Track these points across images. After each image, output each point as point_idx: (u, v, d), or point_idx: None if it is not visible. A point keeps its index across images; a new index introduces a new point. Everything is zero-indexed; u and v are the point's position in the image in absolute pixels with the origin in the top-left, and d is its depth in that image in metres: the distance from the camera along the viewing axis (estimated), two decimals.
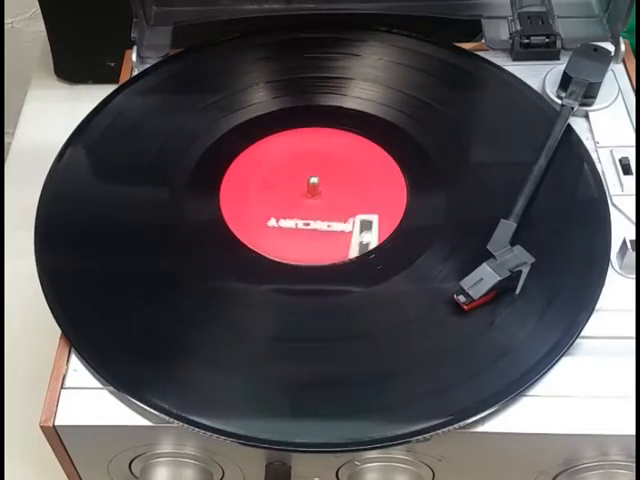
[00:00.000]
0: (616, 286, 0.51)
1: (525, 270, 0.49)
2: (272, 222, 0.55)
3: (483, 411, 0.45)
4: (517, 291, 0.49)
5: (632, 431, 0.45)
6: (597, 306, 0.49)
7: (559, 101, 0.60)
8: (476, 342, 0.49)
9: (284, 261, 0.53)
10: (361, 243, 0.53)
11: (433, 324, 0.50)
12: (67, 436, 0.48)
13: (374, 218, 0.54)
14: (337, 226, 0.54)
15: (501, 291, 0.50)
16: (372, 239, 0.54)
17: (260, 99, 0.62)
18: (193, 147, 0.59)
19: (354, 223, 0.54)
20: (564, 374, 0.48)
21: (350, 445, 0.45)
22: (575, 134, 0.58)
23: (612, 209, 0.54)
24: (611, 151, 0.58)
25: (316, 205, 0.56)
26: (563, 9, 0.66)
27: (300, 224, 0.55)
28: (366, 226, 0.54)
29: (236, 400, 0.47)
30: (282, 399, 0.47)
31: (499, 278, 0.49)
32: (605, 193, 0.55)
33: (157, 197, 0.57)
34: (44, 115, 0.79)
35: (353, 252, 0.53)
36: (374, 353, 0.49)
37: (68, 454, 0.49)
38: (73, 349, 0.49)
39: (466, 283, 0.49)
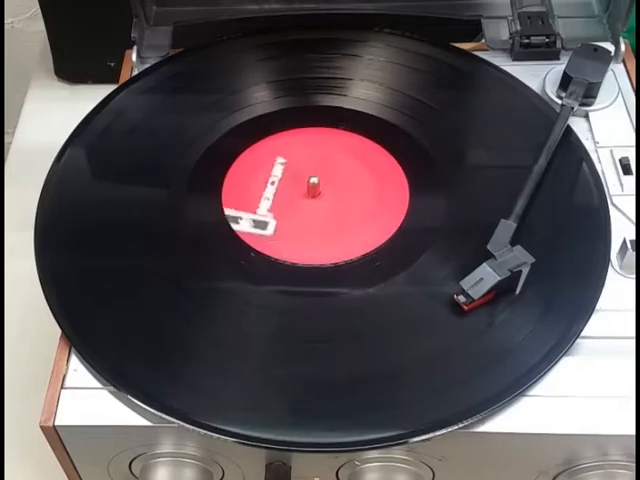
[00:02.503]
0: (616, 286, 0.51)
1: (525, 270, 0.49)
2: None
3: (483, 411, 0.45)
4: (517, 291, 0.49)
5: (632, 431, 0.45)
6: (597, 306, 0.49)
7: (559, 101, 0.60)
8: (476, 342, 0.49)
9: (285, 261, 0.53)
10: None
11: (433, 324, 0.50)
12: (67, 436, 0.48)
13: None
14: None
15: (501, 291, 0.50)
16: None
17: (260, 99, 0.62)
18: (193, 147, 0.59)
19: None
20: (564, 374, 0.48)
21: (350, 445, 0.45)
22: (575, 134, 0.58)
23: (612, 209, 0.54)
24: (611, 151, 0.58)
25: (316, 205, 0.56)
26: (563, 9, 0.66)
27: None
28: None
29: (236, 400, 0.47)
30: (282, 399, 0.47)
31: (499, 278, 0.49)
32: (605, 193, 0.55)
33: (157, 197, 0.57)
34: (44, 115, 0.79)
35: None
36: (374, 353, 0.49)
37: (68, 454, 0.49)
38: (73, 349, 0.49)
39: (466, 283, 0.49)
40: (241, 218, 0.55)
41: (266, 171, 0.58)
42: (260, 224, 0.55)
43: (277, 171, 0.58)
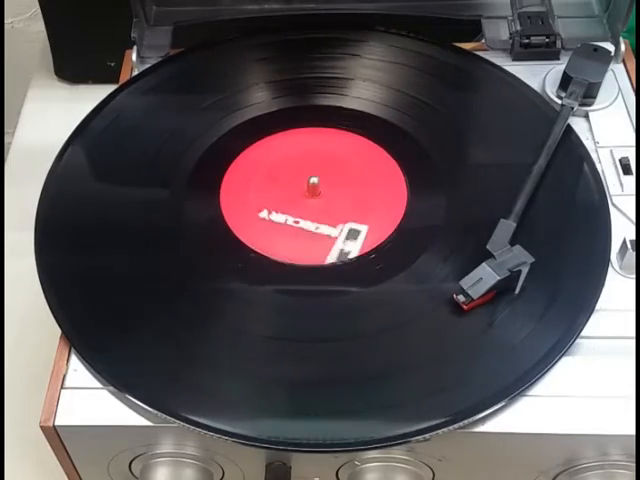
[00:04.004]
0: (616, 286, 0.51)
1: (524, 270, 0.49)
2: (264, 214, 0.55)
3: (483, 411, 0.45)
4: (516, 291, 0.49)
5: (632, 431, 0.45)
6: (597, 306, 0.49)
7: (559, 101, 0.60)
8: (476, 342, 0.49)
9: (285, 261, 0.53)
10: (342, 251, 0.53)
11: (433, 324, 0.50)
12: (67, 436, 0.48)
13: (363, 228, 0.54)
14: (325, 229, 0.55)
15: (501, 291, 0.50)
16: (354, 248, 0.53)
17: (260, 99, 0.62)
18: (193, 147, 0.59)
19: (342, 230, 0.54)
20: (564, 374, 0.48)
21: (350, 445, 0.45)
22: (575, 134, 0.58)
23: (612, 209, 0.54)
24: (611, 151, 0.58)
25: (316, 205, 0.56)
26: (563, 9, 0.66)
27: (290, 220, 0.55)
28: (353, 235, 0.54)
29: (236, 400, 0.47)
30: (282, 399, 0.47)
31: (498, 278, 0.49)
32: (605, 193, 0.55)
33: (157, 197, 0.57)
34: (44, 115, 0.79)
35: (331, 258, 0.53)
36: (374, 353, 0.49)
37: (68, 454, 0.49)
38: (73, 349, 0.49)
39: (466, 283, 0.49)
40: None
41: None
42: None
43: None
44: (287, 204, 0.56)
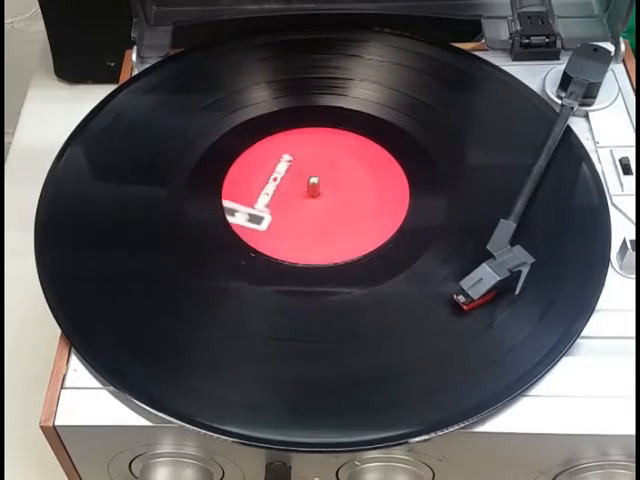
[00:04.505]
0: (616, 286, 0.51)
1: (525, 270, 0.49)
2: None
3: (483, 411, 0.45)
4: (517, 291, 0.49)
5: (632, 431, 0.45)
6: (597, 306, 0.49)
7: (559, 101, 0.60)
8: (476, 342, 0.49)
9: (286, 261, 0.53)
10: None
11: (433, 324, 0.50)
12: (67, 436, 0.48)
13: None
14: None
15: (501, 291, 0.50)
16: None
17: (260, 99, 0.62)
18: (193, 147, 0.59)
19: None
20: (564, 374, 0.48)
21: (350, 445, 0.45)
22: (575, 134, 0.58)
23: (612, 209, 0.54)
24: (611, 151, 0.58)
25: (316, 205, 0.56)
26: (563, 9, 0.66)
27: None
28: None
29: (236, 400, 0.47)
30: (282, 399, 0.47)
31: (498, 278, 0.49)
32: (605, 193, 0.55)
33: (157, 197, 0.57)
34: (44, 115, 0.79)
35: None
36: (374, 353, 0.49)
37: (68, 454, 0.49)
38: (73, 349, 0.49)
39: (466, 283, 0.49)
40: (238, 211, 0.55)
41: (269, 168, 0.58)
42: (255, 219, 0.55)
43: (281, 168, 0.58)
44: (287, 204, 0.56)
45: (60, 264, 0.53)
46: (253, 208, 0.56)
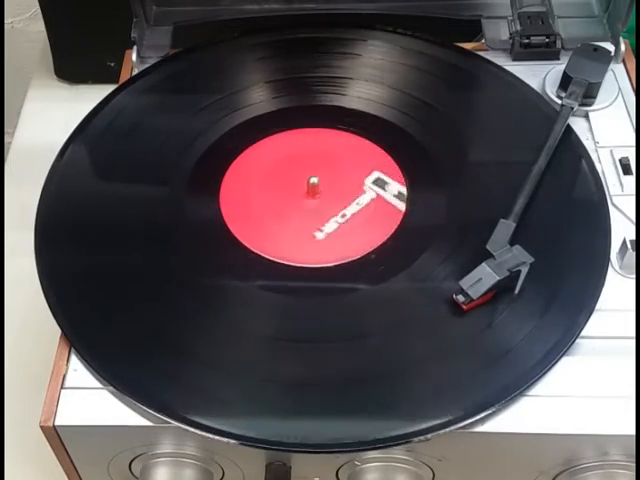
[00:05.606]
0: (616, 286, 0.51)
1: (524, 270, 0.49)
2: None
3: (483, 411, 0.45)
4: (516, 291, 0.49)
5: (632, 431, 0.45)
6: (597, 306, 0.49)
7: (559, 101, 0.60)
8: (475, 342, 0.49)
9: (285, 261, 0.53)
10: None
11: (432, 324, 0.50)
12: (67, 436, 0.48)
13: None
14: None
15: (500, 291, 0.50)
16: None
17: (260, 99, 0.62)
18: (193, 147, 0.59)
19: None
20: (564, 374, 0.48)
21: (350, 445, 0.45)
22: (575, 134, 0.58)
23: (612, 209, 0.54)
24: (611, 151, 0.58)
25: (316, 205, 0.56)
26: (563, 9, 0.66)
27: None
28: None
29: (236, 400, 0.47)
30: (282, 399, 0.47)
31: (498, 278, 0.49)
32: (605, 193, 0.55)
33: (157, 197, 0.57)
34: (44, 115, 0.79)
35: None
36: (374, 353, 0.49)
37: (68, 454, 0.49)
38: (73, 349, 0.49)
39: (465, 283, 0.49)
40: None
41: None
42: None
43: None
44: (287, 204, 0.56)
45: (60, 264, 0.53)
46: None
